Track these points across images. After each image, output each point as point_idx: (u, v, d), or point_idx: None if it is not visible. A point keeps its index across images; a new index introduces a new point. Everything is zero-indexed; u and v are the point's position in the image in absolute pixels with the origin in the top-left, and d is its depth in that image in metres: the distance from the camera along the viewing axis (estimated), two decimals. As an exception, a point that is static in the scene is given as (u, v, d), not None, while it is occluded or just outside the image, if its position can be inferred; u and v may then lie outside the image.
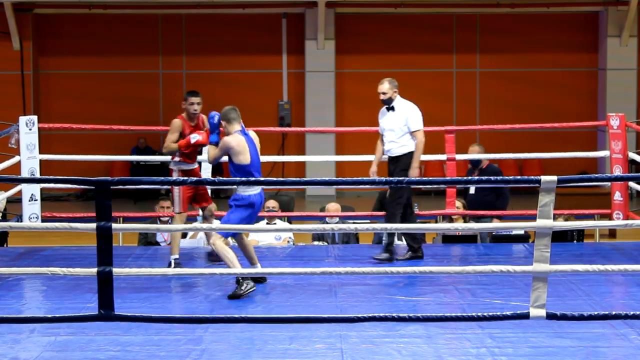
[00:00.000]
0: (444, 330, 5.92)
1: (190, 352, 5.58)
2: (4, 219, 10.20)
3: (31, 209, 9.08)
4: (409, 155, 8.15)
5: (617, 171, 9.48)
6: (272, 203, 9.76)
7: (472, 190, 9.99)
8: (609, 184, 9.87)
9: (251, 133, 7.38)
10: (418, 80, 19.36)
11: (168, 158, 8.00)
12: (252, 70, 19.68)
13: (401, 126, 8.15)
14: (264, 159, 10.65)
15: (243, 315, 5.84)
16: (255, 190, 7.13)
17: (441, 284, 7.30)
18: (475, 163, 10.01)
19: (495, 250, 8.74)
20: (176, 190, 7.65)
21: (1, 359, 5.46)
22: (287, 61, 19.72)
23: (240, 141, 7.16)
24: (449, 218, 9.68)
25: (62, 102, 19.59)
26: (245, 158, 7.12)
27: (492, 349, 5.60)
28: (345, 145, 19.14)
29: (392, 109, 8.21)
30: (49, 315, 5.96)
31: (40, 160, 9.21)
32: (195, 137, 7.65)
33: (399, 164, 8.16)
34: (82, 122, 11.68)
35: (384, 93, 8.18)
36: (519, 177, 5.71)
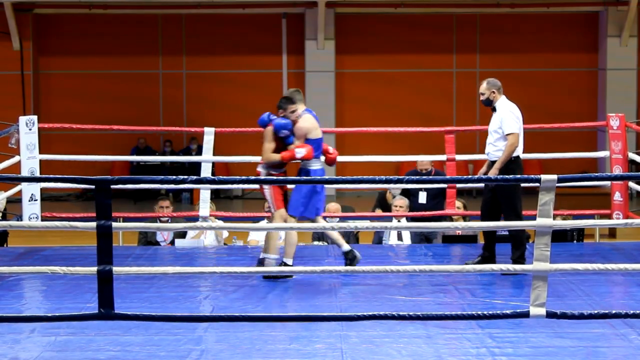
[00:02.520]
0: (444, 330, 5.92)
1: (190, 352, 5.58)
2: (4, 219, 10.20)
3: (31, 209, 9.08)
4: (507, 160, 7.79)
5: (617, 171, 9.48)
6: (272, 203, 9.74)
7: (422, 199, 10.03)
8: (609, 184, 9.87)
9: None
10: (418, 80, 19.38)
11: (167, 158, 8.00)
12: (252, 70, 19.69)
13: (497, 129, 7.81)
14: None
15: (243, 314, 5.83)
16: (318, 165, 7.62)
17: (441, 284, 7.30)
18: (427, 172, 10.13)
19: (495, 250, 8.73)
20: (267, 190, 7.60)
21: (1, 359, 5.46)
22: (287, 61, 19.73)
23: (311, 119, 7.61)
24: (449, 218, 9.68)
25: (62, 102, 19.60)
26: (317, 133, 7.60)
27: (492, 349, 5.59)
28: (345, 145, 19.14)
29: (495, 109, 7.89)
30: (49, 315, 5.96)
31: (40, 161, 9.21)
32: (300, 153, 7.53)
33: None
34: (82, 122, 11.67)
35: (482, 93, 7.89)
36: (519, 176, 5.70)
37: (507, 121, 7.77)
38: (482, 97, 7.92)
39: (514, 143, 7.70)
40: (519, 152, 7.83)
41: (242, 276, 7.35)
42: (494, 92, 7.86)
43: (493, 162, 7.81)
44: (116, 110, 19.29)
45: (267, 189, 7.58)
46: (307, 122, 7.58)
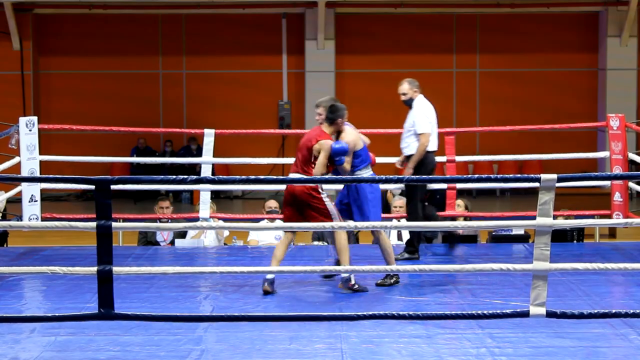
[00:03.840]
0: (444, 330, 5.92)
1: (190, 352, 5.58)
2: (4, 219, 10.20)
3: (31, 210, 9.08)
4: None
5: (617, 171, 9.47)
6: (272, 203, 9.74)
7: None
8: (609, 184, 9.87)
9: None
10: (418, 80, 19.34)
11: (167, 159, 7.94)
12: (252, 70, 19.68)
13: (409, 127, 8.12)
14: (263, 160, 10.70)
15: (243, 314, 5.84)
16: (368, 172, 7.40)
17: (441, 284, 7.30)
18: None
19: (495, 250, 8.74)
20: (329, 205, 7.28)
21: (1, 359, 5.46)
22: (287, 61, 19.73)
23: (352, 131, 7.39)
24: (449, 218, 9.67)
25: (62, 102, 19.60)
26: (360, 143, 7.37)
27: (492, 349, 5.59)
28: (345, 146, 19.14)
29: (411, 107, 8.18)
30: (49, 315, 5.96)
31: (40, 161, 9.21)
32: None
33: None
34: (82, 122, 11.69)
35: (404, 94, 8.17)
36: (519, 175, 5.70)
37: (418, 121, 8.07)
38: (404, 97, 8.25)
39: (425, 142, 8.03)
40: (433, 147, 8.15)
41: (242, 276, 7.35)
42: (415, 91, 8.22)
43: (407, 157, 8.12)
44: (116, 110, 19.28)
45: (329, 203, 7.28)
46: (350, 135, 7.32)
